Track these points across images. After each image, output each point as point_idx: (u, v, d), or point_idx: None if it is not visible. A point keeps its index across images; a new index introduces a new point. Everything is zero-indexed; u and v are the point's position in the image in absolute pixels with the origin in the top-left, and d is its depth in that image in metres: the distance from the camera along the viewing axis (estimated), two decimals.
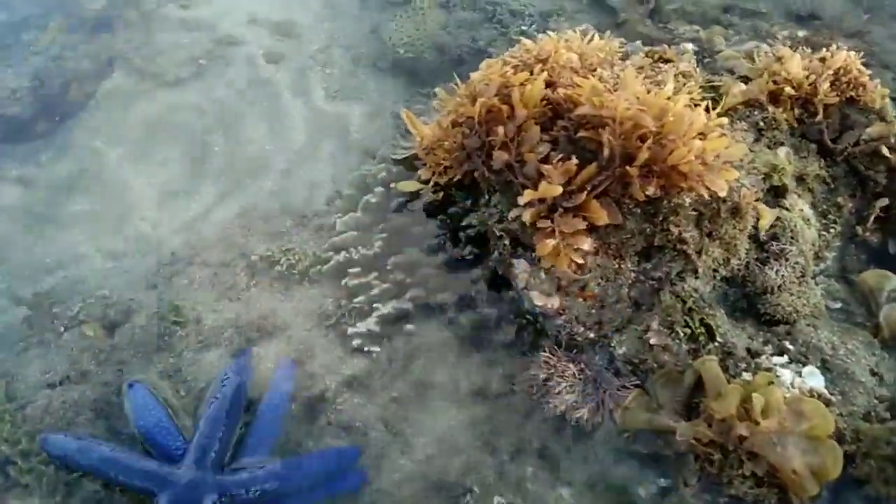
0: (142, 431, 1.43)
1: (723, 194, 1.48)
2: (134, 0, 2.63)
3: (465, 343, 1.66)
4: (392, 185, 1.87)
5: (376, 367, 1.63)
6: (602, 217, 1.46)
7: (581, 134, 1.53)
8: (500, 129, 1.58)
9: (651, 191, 1.48)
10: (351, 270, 1.74)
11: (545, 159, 1.55)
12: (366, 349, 1.64)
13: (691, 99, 1.62)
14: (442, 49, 2.44)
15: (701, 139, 1.49)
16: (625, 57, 2.05)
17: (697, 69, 2.00)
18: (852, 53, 1.84)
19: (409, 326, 1.67)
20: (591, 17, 2.46)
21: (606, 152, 1.49)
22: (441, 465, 1.50)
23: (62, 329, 1.75)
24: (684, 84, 1.81)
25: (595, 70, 1.81)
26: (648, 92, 1.52)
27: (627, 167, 1.47)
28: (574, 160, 1.49)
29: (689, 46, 2.18)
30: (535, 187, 1.52)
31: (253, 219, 2.07)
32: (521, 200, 1.46)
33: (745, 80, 1.97)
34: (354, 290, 1.72)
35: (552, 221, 1.47)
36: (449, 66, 2.35)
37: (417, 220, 1.80)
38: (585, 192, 1.48)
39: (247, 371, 1.52)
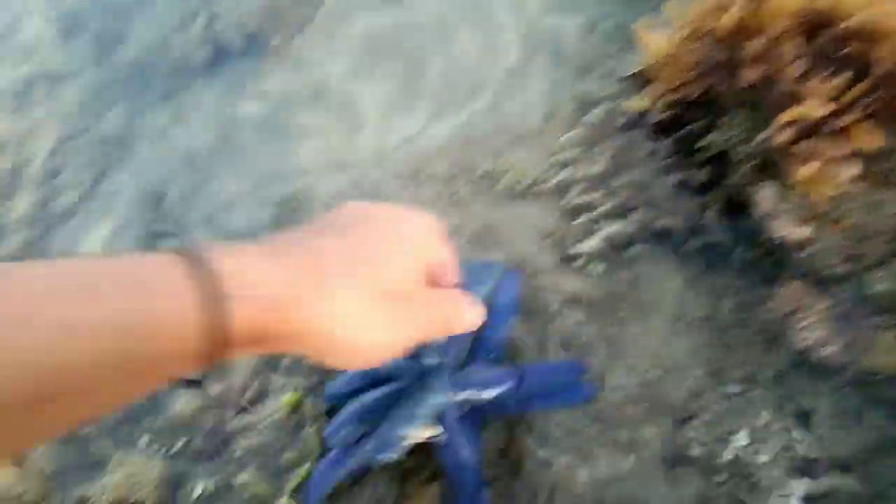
0: None
1: None
2: None
3: (695, 269, 1.60)
4: (618, 101, 1.81)
5: (599, 287, 1.63)
6: (873, 141, 1.33)
7: (849, 49, 1.38)
8: (752, 43, 1.46)
9: None
10: (574, 189, 1.73)
11: (804, 75, 1.42)
12: (589, 268, 1.64)
13: None
14: None
15: None
16: None
17: None
18: None
19: (634, 248, 1.64)
20: None
21: (883, 69, 1.33)
22: (665, 390, 1.49)
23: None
24: None
25: None
26: None
27: None
28: (841, 77, 1.35)
29: None
30: (790, 106, 1.40)
31: (472, 136, 2.10)
32: (781, 119, 1.35)
33: None
34: (577, 209, 1.72)
35: (812, 144, 1.36)
36: None
37: (646, 140, 1.73)
38: (855, 113, 1.34)
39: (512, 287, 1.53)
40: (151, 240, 2.12)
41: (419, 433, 1.18)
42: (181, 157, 2.24)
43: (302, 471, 1.46)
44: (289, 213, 1.98)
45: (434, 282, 0.57)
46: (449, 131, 2.16)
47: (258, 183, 2.14)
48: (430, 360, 1.23)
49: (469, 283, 0.97)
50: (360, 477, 1.35)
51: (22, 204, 2.28)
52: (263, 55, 2.40)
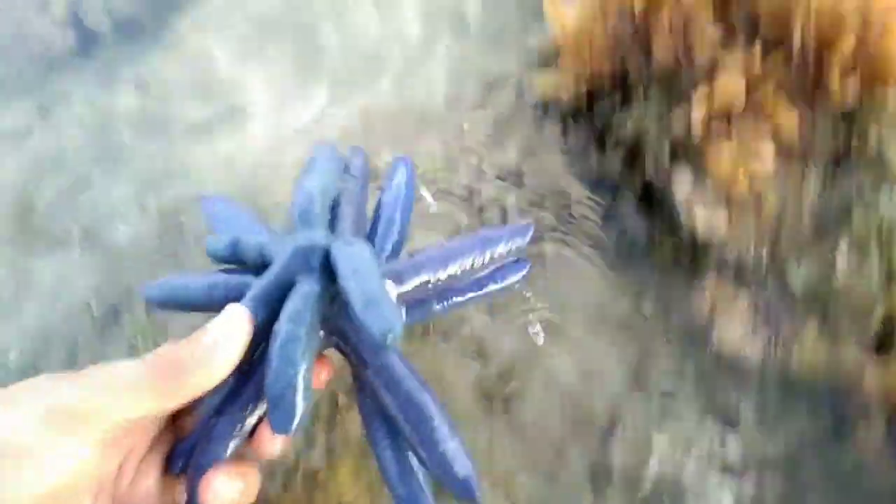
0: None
1: None
2: None
3: (612, 264, 1.49)
4: (526, 80, 1.67)
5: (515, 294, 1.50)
6: (790, 119, 1.23)
7: (763, 22, 1.27)
8: (665, 14, 1.33)
9: (851, 89, 1.22)
10: (483, 181, 1.59)
11: (718, 48, 1.30)
12: None
13: None
14: None
15: None
16: None
17: None
18: None
19: (545, 243, 1.52)
20: None
21: (797, 41, 1.22)
22: (586, 399, 1.38)
23: (192, 241, 1.72)
24: None
25: None
26: None
27: (823, 59, 1.20)
28: (756, 47, 1.24)
29: None
30: (707, 82, 1.29)
31: (374, 120, 1.93)
32: (694, 97, 1.24)
33: None
34: (488, 203, 1.58)
35: (726, 124, 1.25)
36: None
37: (557, 123, 1.60)
38: (770, 86, 1.23)
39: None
40: (24, 259, 1.88)
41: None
42: (49, 160, 1.99)
43: None
44: (177, 225, 1.78)
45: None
46: (347, 118, 1.98)
47: (140, 188, 1.92)
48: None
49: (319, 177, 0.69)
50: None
51: None
52: (138, 39, 2.15)
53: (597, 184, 1.53)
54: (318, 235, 0.59)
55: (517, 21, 2.06)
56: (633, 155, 1.48)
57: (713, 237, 1.36)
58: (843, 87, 1.21)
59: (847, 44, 1.17)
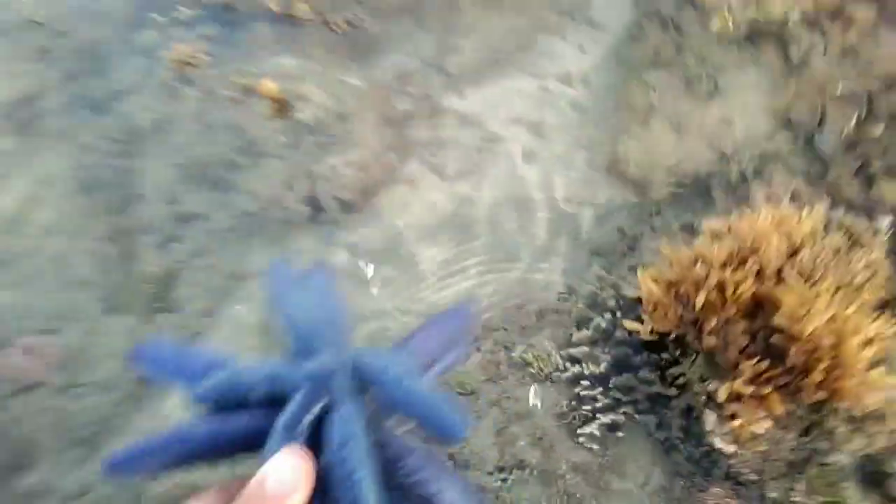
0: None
1: (872, 408, 2.04)
2: (428, 98, 3.36)
3: (660, 452, 2.36)
4: (618, 314, 2.55)
5: (594, 458, 2.39)
6: (779, 409, 2.07)
7: (773, 340, 2.12)
8: (713, 320, 2.19)
9: (818, 397, 2.06)
10: (583, 382, 2.48)
11: (742, 351, 2.16)
12: (587, 445, 2.40)
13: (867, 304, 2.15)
14: (672, 172, 2.99)
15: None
16: (827, 224, 2.53)
17: (887, 255, 2.44)
18: None
19: (621, 433, 2.40)
20: (802, 161, 2.88)
21: (790, 363, 2.07)
22: None
23: None
24: (869, 279, 2.30)
25: (798, 252, 2.34)
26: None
27: (805, 378, 2.05)
28: (764, 363, 2.09)
29: (886, 222, 2.58)
30: (732, 370, 2.15)
31: (504, 306, 2.83)
32: (720, 393, 2.10)
33: None
34: (583, 399, 2.46)
35: (738, 406, 2.11)
36: (678, 194, 2.92)
37: (636, 352, 2.47)
38: (768, 389, 2.08)
39: None
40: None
41: None
42: None
43: None
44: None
45: None
46: (490, 295, 2.89)
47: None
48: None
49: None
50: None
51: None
52: (351, 215, 3.10)
53: (657, 401, 2.39)
54: (331, 356, 0.60)
55: (619, 243, 2.94)
56: (682, 390, 2.35)
57: (725, 456, 2.22)
58: (815, 393, 2.06)
59: (819, 371, 2.02)
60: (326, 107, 3.18)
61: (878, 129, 2.76)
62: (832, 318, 2.06)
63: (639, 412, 2.40)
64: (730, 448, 2.20)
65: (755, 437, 2.16)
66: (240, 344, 2.89)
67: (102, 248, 3.12)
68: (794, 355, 2.07)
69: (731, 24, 3.10)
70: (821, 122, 2.86)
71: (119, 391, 2.86)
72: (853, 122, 2.79)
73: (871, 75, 2.85)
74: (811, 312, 2.08)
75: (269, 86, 3.09)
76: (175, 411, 2.77)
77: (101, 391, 2.89)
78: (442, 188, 3.17)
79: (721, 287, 2.22)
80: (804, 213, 2.44)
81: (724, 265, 2.26)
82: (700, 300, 2.22)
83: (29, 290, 3.16)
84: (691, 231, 2.77)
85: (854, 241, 2.48)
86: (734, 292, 2.20)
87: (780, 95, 2.95)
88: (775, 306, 2.16)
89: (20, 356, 2.96)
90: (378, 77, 3.37)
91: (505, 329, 2.73)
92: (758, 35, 3.08)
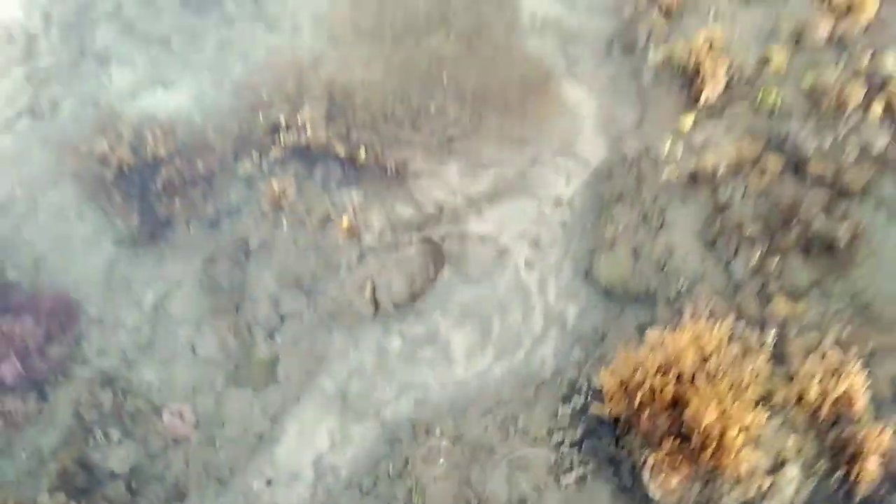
0: None
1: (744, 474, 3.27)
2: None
3: (616, 493, 3.61)
4: (589, 397, 3.78)
5: (573, 495, 3.64)
6: (684, 471, 3.30)
7: (683, 428, 3.34)
8: (645, 415, 3.41)
9: (710, 465, 3.29)
10: (563, 446, 3.71)
11: (666, 430, 3.39)
12: (567, 487, 3.65)
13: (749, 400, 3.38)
14: (630, 286, 4.18)
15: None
16: (731, 336, 3.73)
17: (770, 360, 3.63)
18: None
19: (588, 480, 3.64)
20: (721, 282, 4.06)
21: (693, 443, 3.30)
22: None
23: None
24: (753, 380, 3.52)
25: (708, 359, 3.55)
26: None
27: (702, 452, 3.28)
28: (677, 442, 3.31)
29: (772, 334, 3.74)
30: (658, 444, 3.38)
31: (513, 385, 4.06)
32: (650, 459, 3.33)
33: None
34: (564, 456, 3.70)
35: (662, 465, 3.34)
36: (635, 302, 4.13)
37: (602, 423, 3.70)
38: (679, 458, 3.31)
39: None
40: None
41: None
42: (351, 375, 4.20)
43: None
44: (408, 438, 3.97)
45: None
46: (504, 373, 4.12)
47: (399, 392, 4.11)
48: None
49: None
50: None
51: None
52: (402, 311, 4.32)
53: (610, 462, 3.63)
54: None
55: (593, 335, 4.16)
56: (629, 452, 3.58)
57: (655, 499, 3.45)
58: (707, 463, 3.29)
59: (709, 450, 3.25)
60: (383, 230, 4.38)
61: (774, 261, 3.94)
62: (722, 413, 3.28)
63: (600, 467, 3.65)
64: (657, 494, 3.45)
65: (672, 488, 3.40)
66: (326, 409, 4.14)
67: (224, 337, 4.35)
68: (696, 438, 3.30)
69: (677, 172, 4.26)
70: (736, 253, 4.04)
71: (244, 443, 4.13)
72: (758, 254, 3.97)
73: (776, 213, 4.00)
74: (707, 410, 3.31)
75: (343, 217, 4.30)
76: (286, 458, 4.04)
77: (230, 443, 4.15)
78: (467, 290, 4.38)
79: (652, 389, 3.45)
80: (716, 328, 3.64)
81: (655, 372, 3.48)
82: (637, 399, 3.44)
83: (170, 368, 4.41)
84: (642, 332, 3.97)
85: (747, 350, 3.69)
86: (661, 392, 3.42)
87: (710, 230, 4.12)
88: (686, 404, 3.39)
89: (170, 418, 4.21)
90: (420, 201, 4.55)
91: (512, 402, 3.97)
92: (696, 181, 4.24)
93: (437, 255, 4.39)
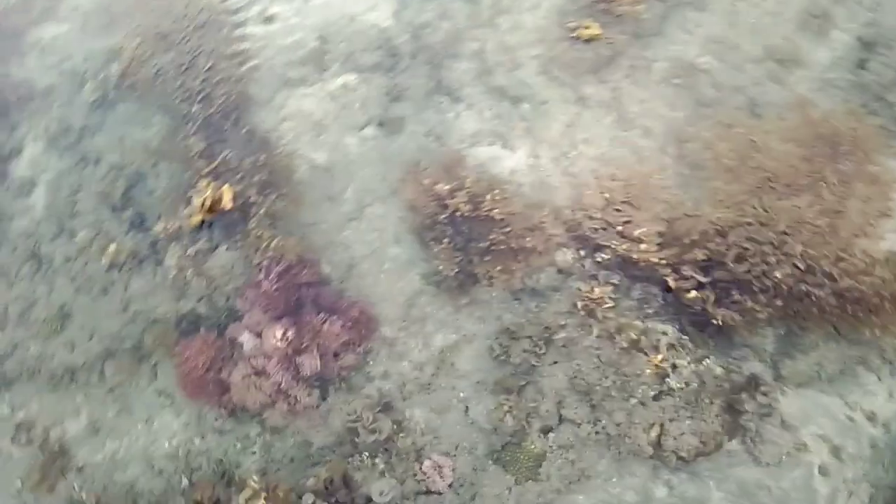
0: None
1: None
2: None
3: None
4: None
5: None
6: None
7: None
8: None
9: None
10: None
11: None
12: None
13: None
14: None
15: None
16: None
17: None
18: None
19: None
20: None
21: None
22: None
23: None
24: None
25: None
26: None
27: None
28: None
29: None
30: None
31: None
32: None
33: None
34: None
35: None
36: None
37: None
38: None
39: None
40: None
41: None
42: None
43: None
44: None
45: None
46: None
47: None
48: None
49: None
50: None
51: None
52: (679, 467, 4.24)
53: None
54: None
55: None
56: None
57: None
58: None
59: None
60: (690, 380, 4.32)
61: None
62: None
63: None
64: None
65: None
66: None
67: (500, 412, 4.48)
68: None
69: None
70: None
71: None
72: None
73: None
74: None
75: (659, 355, 4.28)
76: None
77: None
78: (751, 470, 4.22)
79: None
80: None
81: None
82: None
83: (441, 417, 4.61)
84: None
85: None
86: None
87: None
88: None
89: (430, 469, 4.40)
90: (735, 365, 4.44)
91: None
92: None
93: (734, 425, 4.27)
